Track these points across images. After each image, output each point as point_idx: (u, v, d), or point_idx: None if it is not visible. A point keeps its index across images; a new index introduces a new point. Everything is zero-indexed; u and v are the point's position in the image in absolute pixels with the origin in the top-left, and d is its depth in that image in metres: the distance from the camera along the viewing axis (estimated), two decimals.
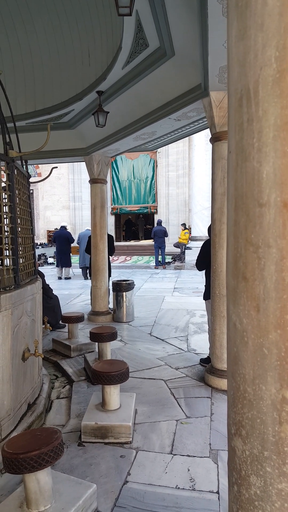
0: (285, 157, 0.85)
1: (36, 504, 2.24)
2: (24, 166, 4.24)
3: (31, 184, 4.40)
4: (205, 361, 5.01)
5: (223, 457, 3.03)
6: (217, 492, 2.64)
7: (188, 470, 2.89)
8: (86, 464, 2.99)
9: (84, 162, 7.89)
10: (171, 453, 3.11)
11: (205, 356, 5.20)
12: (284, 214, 0.86)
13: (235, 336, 1.00)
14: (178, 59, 4.27)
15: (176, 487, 2.70)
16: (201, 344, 5.88)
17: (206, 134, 15.49)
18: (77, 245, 14.40)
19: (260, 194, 0.89)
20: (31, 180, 4.40)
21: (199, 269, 5.11)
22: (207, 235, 4.98)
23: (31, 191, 21.72)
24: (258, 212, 0.90)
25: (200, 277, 12.78)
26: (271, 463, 0.90)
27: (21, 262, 3.64)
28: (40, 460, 2.16)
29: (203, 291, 5.18)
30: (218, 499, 2.57)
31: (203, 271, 5.15)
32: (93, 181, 7.65)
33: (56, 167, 5.22)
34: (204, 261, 4.92)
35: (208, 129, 4.78)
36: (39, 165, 21.61)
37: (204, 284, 5.12)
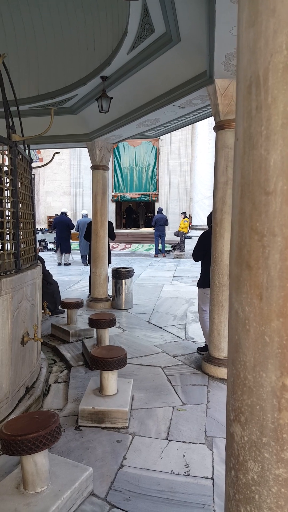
0: None
1: (33, 485, 2.27)
2: (27, 151, 4.21)
3: (32, 169, 4.38)
4: (203, 349, 5.05)
5: (218, 444, 3.07)
6: (212, 478, 2.68)
7: (184, 456, 2.93)
8: (82, 447, 3.03)
9: (86, 148, 7.83)
10: (167, 439, 3.15)
11: (203, 345, 5.23)
12: None
13: (237, 323, 1.00)
14: (184, 45, 4.21)
15: (171, 472, 2.74)
16: (198, 333, 5.91)
17: (209, 122, 15.36)
18: (77, 231, 14.37)
19: (267, 182, 0.89)
20: (33, 165, 4.37)
21: (196, 259, 5.12)
22: (206, 224, 4.98)
23: (33, 176, 21.63)
24: (264, 200, 0.90)
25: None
26: (269, 449, 0.92)
27: (22, 247, 3.64)
28: (37, 442, 2.18)
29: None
30: (213, 485, 2.61)
31: (198, 261, 5.17)
32: (95, 167, 7.61)
33: (58, 152, 5.19)
34: (201, 252, 4.92)
35: (212, 117, 4.74)
36: (41, 150, 21.50)
37: (200, 272, 5.14)
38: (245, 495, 0.98)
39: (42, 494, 2.27)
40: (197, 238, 5.18)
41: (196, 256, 5.07)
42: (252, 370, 0.95)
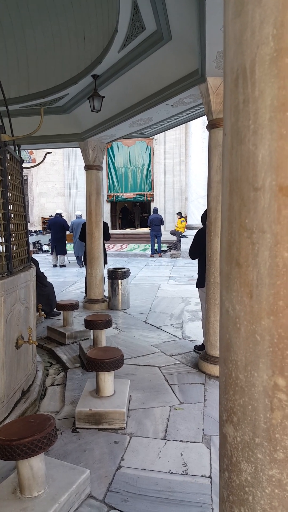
0: (282, 140, 0.82)
1: (29, 489, 2.25)
2: (17, 151, 4.18)
3: (25, 170, 4.35)
4: (199, 348, 5.03)
5: (216, 442, 3.05)
6: (209, 477, 2.66)
7: (181, 455, 2.92)
8: (80, 449, 3.01)
9: (79, 148, 7.80)
10: (165, 439, 3.14)
11: (200, 343, 5.22)
12: (279, 199, 0.83)
13: (228, 322, 0.98)
14: (175, 43, 4.19)
15: (169, 472, 2.72)
16: (195, 332, 5.90)
17: (203, 121, 15.34)
18: (71, 233, 14.32)
19: (255, 178, 0.87)
20: (24, 165, 4.34)
21: (192, 257, 5.10)
22: (201, 222, 4.96)
23: (25, 178, 21.56)
24: (253, 196, 0.88)
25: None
26: (262, 450, 0.90)
27: (14, 249, 3.61)
28: (33, 446, 2.16)
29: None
30: (210, 483, 2.60)
31: (197, 260, 5.14)
32: (88, 167, 7.57)
33: (50, 152, 5.16)
34: (197, 250, 4.91)
35: (205, 116, 4.73)
36: (33, 150, 21.44)
37: (197, 272, 5.12)
38: (238, 497, 0.96)
39: (39, 498, 2.24)
40: (192, 238, 5.16)
41: (192, 254, 5.04)
42: (243, 370, 0.93)
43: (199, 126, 16.60)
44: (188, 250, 5.18)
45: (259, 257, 0.87)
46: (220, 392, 1.05)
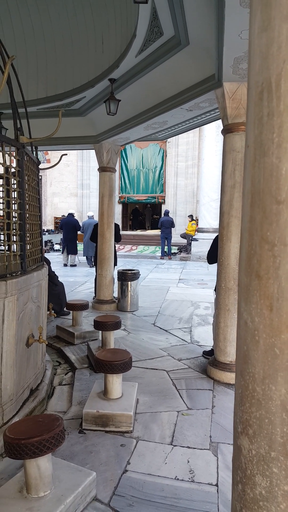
0: None
1: (36, 489, 2.26)
2: (34, 152, 4.22)
3: (40, 170, 4.38)
4: (208, 354, 5.01)
5: (223, 450, 3.04)
6: (216, 485, 2.65)
7: (188, 461, 2.91)
8: (86, 451, 3.01)
9: (93, 150, 7.84)
10: (171, 444, 3.13)
11: (208, 349, 5.20)
12: None
13: (246, 334, 0.98)
14: (192, 48, 4.20)
15: (175, 478, 2.71)
16: (204, 336, 5.88)
17: (216, 125, 15.33)
18: (82, 233, 14.38)
19: (278, 191, 0.87)
20: (40, 166, 4.37)
21: (210, 262, 5.04)
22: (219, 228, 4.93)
23: (40, 177, 21.70)
24: (276, 209, 0.88)
25: (205, 269, 12.73)
26: (278, 464, 0.89)
27: (28, 248, 3.64)
28: (41, 446, 2.17)
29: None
30: (217, 492, 2.58)
31: (212, 264, 5.09)
32: (102, 169, 7.61)
33: (66, 154, 5.18)
34: (216, 254, 4.87)
35: (219, 120, 4.73)
36: (48, 151, 21.58)
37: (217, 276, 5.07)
38: (252, 511, 0.96)
39: (45, 498, 2.25)
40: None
41: (210, 258, 4.99)
42: (261, 383, 0.93)
43: (212, 130, 16.61)
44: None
45: (280, 270, 0.87)
46: (236, 404, 1.05)
